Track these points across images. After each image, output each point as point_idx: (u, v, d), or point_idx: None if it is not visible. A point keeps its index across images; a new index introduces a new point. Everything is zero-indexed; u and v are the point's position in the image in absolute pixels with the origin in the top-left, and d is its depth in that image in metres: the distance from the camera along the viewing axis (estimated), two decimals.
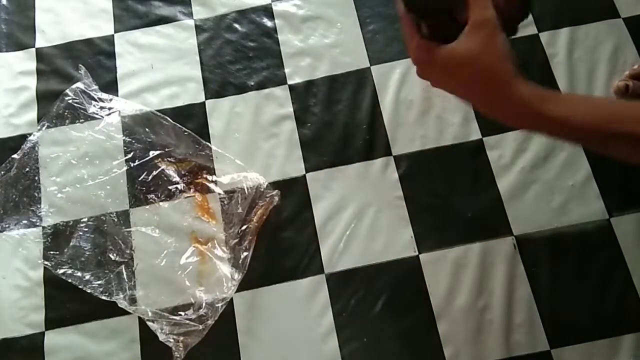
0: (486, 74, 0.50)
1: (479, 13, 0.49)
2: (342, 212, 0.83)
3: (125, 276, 0.81)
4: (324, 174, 0.86)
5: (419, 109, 0.88)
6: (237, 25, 0.97)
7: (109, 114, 0.91)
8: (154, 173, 0.87)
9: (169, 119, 0.90)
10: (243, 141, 0.89)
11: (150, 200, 0.85)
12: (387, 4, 0.96)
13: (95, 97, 0.92)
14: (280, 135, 0.89)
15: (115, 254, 0.82)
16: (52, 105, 0.91)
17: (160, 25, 0.97)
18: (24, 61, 0.96)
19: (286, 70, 0.93)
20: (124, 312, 0.79)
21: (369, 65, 0.92)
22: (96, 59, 0.95)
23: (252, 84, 0.92)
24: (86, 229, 0.84)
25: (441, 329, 0.77)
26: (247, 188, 0.84)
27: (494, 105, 0.52)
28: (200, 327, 0.77)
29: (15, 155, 0.89)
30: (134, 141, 0.89)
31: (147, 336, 0.78)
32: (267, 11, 0.97)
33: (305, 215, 0.84)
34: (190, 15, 0.98)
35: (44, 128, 0.90)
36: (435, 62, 0.52)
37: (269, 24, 0.96)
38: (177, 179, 0.86)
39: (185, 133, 0.89)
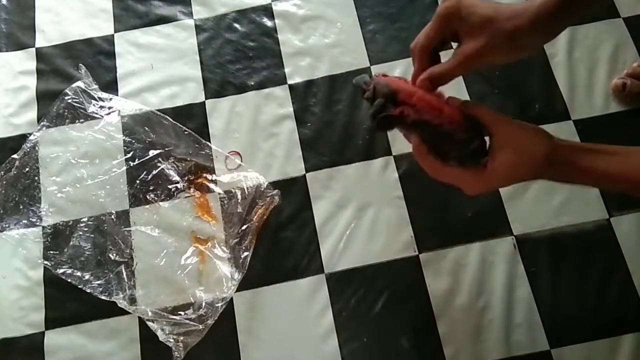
0: (531, 171, 0.53)
1: (501, 133, 0.52)
2: (342, 212, 0.83)
3: (125, 276, 0.81)
4: (324, 173, 0.86)
5: None
6: (237, 25, 0.97)
7: (109, 113, 0.91)
8: (154, 172, 0.87)
9: (169, 118, 0.90)
10: (243, 141, 0.89)
11: (150, 199, 0.85)
12: (387, 4, 0.96)
13: (95, 96, 0.92)
14: (280, 135, 0.89)
15: (115, 254, 0.82)
16: (52, 105, 0.91)
17: (160, 25, 0.97)
18: (24, 61, 0.96)
19: (286, 70, 0.93)
20: (123, 312, 0.79)
21: (369, 65, 0.92)
22: (96, 58, 0.95)
23: (252, 83, 0.92)
24: (86, 229, 0.84)
25: (441, 329, 0.77)
26: (247, 188, 0.84)
27: (537, 177, 0.54)
28: (200, 326, 0.77)
29: (15, 155, 0.89)
30: (133, 141, 0.89)
31: (147, 336, 0.78)
32: (267, 11, 0.97)
33: (305, 215, 0.84)
34: (190, 15, 0.98)
35: (44, 128, 0.90)
36: (479, 179, 0.55)
37: (269, 23, 0.96)
38: (177, 178, 0.86)
39: (185, 132, 0.89)
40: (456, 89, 0.89)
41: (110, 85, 0.93)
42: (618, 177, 0.49)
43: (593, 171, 0.50)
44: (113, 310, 0.79)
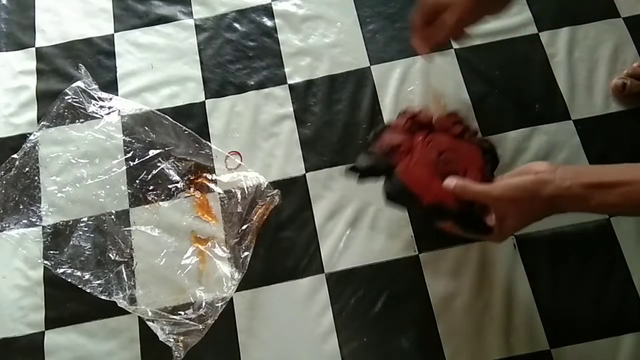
0: (542, 215, 0.57)
1: (499, 207, 0.59)
2: (342, 211, 0.83)
3: (125, 276, 0.81)
4: (324, 173, 0.86)
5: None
6: (237, 25, 0.96)
7: (109, 113, 0.91)
8: (154, 172, 0.87)
9: (169, 118, 0.90)
10: (243, 141, 0.89)
11: (150, 199, 0.85)
12: (387, 4, 0.96)
13: (95, 96, 0.92)
14: (280, 134, 0.89)
15: (115, 254, 0.82)
16: (52, 105, 0.91)
17: (160, 25, 0.97)
18: (24, 60, 0.96)
19: (286, 70, 0.93)
20: (123, 312, 0.79)
21: (369, 64, 0.92)
22: (96, 58, 0.95)
23: (252, 83, 0.92)
24: (86, 229, 0.84)
25: (441, 329, 0.77)
26: (247, 187, 0.84)
27: (551, 214, 0.58)
28: (200, 326, 0.77)
29: (15, 155, 0.89)
30: (133, 140, 0.89)
31: (147, 336, 0.78)
32: (267, 10, 0.97)
33: (305, 215, 0.84)
34: (190, 14, 0.98)
35: (44, 128, 0.90)
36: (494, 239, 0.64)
37: (268, 23, 0.96)
38: (176, 178, 0.86)
39: (185, 132, 0.89)
40: (456, 90, 0.89)
41: (110, 85, 0.93)
42: (631, 206, 0.51)
43: (604, 206, 0.52)
44: (113, 310, 0.79)
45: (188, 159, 0.87)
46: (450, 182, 0.60)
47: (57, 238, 0.84)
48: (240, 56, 0.94)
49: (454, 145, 0.66)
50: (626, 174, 0.51)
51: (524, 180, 0.55)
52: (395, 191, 0.64)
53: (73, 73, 0.94)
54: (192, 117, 0.90)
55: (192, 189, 0.86)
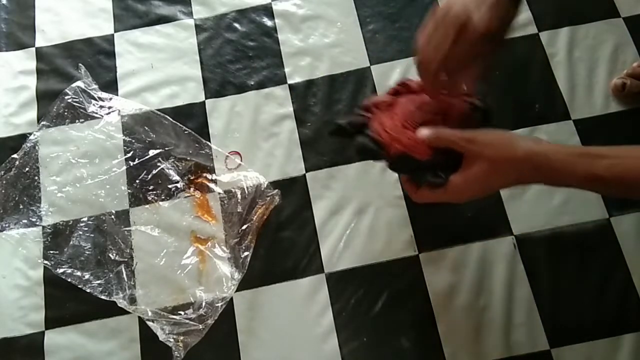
0: (512, 176, 0.52)
1: (472, 150, 0.53)
2: (342, 211, 0.83)
3: (124, 275, 0.81)
4: (324, 173, 0.86)
5: None
6: (237, 25, 0.96)
7: (109, 113, 0.91)
8: (154, 172, 0.87)
9: (169, 118, 0.90)
10: (243, 140, 0.89)
11: (150, 199, 0.85)
12: (387, 4, 0.96)
13: (95, 96, 0.92)
14: (280, 134, 0.89)
15: (114, 254, 0.82)
16: (52, 105, 0.91)
17: (160, 25, 0.97)
18: (24, 60, 0.96)
19: (286, 70, 0.93)
20: (123, 312, 0.79)
21: (369, 64, 0.92)
22: (96, 58, 0.95)
23: (252, 83, 0.92)
24: (86, 229, 0.84)
25: (441, 328, 0.77)
26: (247, 187, 0.84)
27: (522, 182, 0.53)
28: (200, 326, 0.77)
29: (15, 155, 0.89)
30: (133, 140, 0.89)
31: (147, 336, 0.78)
32: (267, 10, 0.97)
33: (305, 214, 0.84)
34: (190, 14, 0.98)
35: (44, 127, 0.90)
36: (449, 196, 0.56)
37: (269, 23, 0.96)
38: (177, 178, 0.86)
39: (185, 132, 0.89)
40: None
41: (110, 85, 0.93)
42: (618, 181, 0.47)
43: (590, 177, 0.48)
44: (113, 310, 0.79)
45: (188, 159, 0.87)
46: (424, 131, 0.56)
47: (57, 238, 0.84)
48: (240, 56, 0.94)
49: (440, 100, 0.59)
50: (615, 149, 0.48)
51: (504, 131, 0.52)
52: (365, 142, 0.59)
53: (73, 73, 0.94)
54: (192, 117, 0.90)
55: (192, 189, 0.86)
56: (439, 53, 0.52)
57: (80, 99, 0.91)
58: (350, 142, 0.62)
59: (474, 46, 0.51)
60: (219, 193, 0.85)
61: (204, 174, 0.86)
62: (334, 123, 0.64)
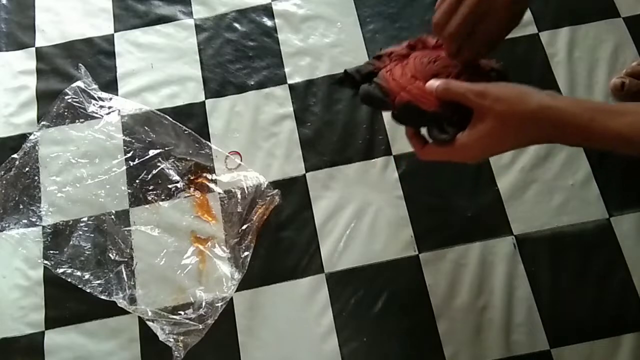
0: (523, 132, 0.49)
1: (483, 105, 0.49)
2: (342, 211, 0.83)
3: (124, 275, 0.81)
4: (324, 173, 0.86)
5: None
6: (237, 25, 0.96)
7: (109, 113, 0.91)
8: (154, 172, 0.87)
9: (169, 118, 0.90)
10: (243, 140, 0.89)
11: (150, 199, 0.85)
12: (387, 4, 0.96)
13: (95, 96, 0.92)
14: (280, 134, 0.89)
15: (114, 254, 0.82)
16: (52, 105, 0.91)
17: (160, 25, 0.97)
18: (24, 60, 0.96)
19: (286, 70, 0.93)
20: (123, 312, 0.79)
21: None
22: (96, 58, 0.95)
23: (252, 83, 0.92)
24: (86, 228, 0.84)
25: (441, 329, 0.77)
26: (247, 187, 0.84)
27: (533, 141, 0.50)
28: (200, 326, 0.77)
29: (15, 155, 0.89)
30: (133, 140, 0.89)
31: (147, 336, 0.78)
32: (267, 10, 0.97)
33: (305, 214, 0.84)
34: (190, 14, 0.98)
35: (44, 127, 0.90)
36: (457, 153, 0.53)
37: (269, 23, 0.96)
38: (176, 178, 0.86)
39: (185, 132, 0.89)
40: None
41: (110, 85, 0.93)
42: (634, 137, 0.43)
43: (607, 135, 0.44)
44: (113, 310, 0.79)
45: (188, 158, 0.87)
46: (434, 82, 0.53)
47: (57, 238, 0.84)
48: (240, 56, 0.94)
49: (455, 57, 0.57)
50: (637, 105, 0.44)
51: (517, 85, 0.49)
52: (370, 89, 0.57)
53: (73, 73, 0.94)
54: (192, 117, 0.90)
55: (192, 189, 0.86)
56: (459, 15, 0.51)
57: (80, 99, 0.91)
58: (355, 94, 0.60)
59: (496, 12, 0.50)
60: (219, 193, 0.85)
61: (204, 174, 0.86)
62: (344, 70, 0.61)
